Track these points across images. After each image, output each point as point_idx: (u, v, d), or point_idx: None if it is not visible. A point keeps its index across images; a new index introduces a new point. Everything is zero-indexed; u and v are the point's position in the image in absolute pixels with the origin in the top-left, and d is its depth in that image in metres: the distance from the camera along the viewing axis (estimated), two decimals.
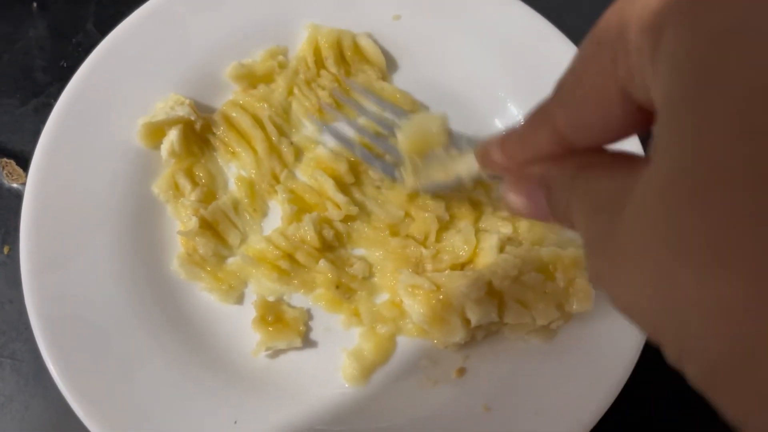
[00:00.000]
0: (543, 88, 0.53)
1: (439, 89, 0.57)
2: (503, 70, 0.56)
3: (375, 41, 0.56)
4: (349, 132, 0.55)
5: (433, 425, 0.46)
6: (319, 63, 0.56)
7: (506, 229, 0.50)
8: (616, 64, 0.21)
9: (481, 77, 0.57)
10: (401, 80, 0.58)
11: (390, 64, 0.58)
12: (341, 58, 0.56)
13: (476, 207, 0.52)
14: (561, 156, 0.26)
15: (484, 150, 0.32)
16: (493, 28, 0.57)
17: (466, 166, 0.42)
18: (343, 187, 0.52)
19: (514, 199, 0.29)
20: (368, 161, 0.53)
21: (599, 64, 0.22)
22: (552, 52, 0.55)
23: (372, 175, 0.54)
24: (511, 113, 0.56)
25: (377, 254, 0.52)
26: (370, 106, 0.55)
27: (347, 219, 0.52)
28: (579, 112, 0.24)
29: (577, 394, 0.46)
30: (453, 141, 0.46)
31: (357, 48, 0.56)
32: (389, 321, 0.49)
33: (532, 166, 0.27)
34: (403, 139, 0.48)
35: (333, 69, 0.56)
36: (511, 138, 0.29)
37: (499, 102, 0.56)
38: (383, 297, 0.51)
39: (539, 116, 0.26)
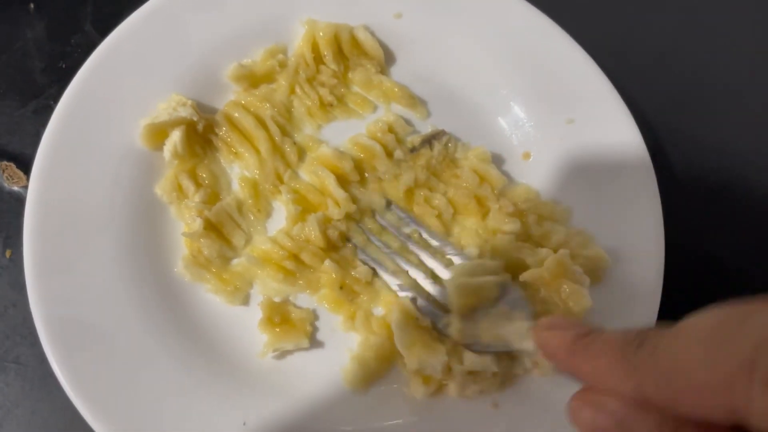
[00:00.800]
0: (545, 85, 0.55)
1: (438, 84, 0.57)
2: (505, 67, 0.56)
3: (373, 34, 0.56)
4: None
5: (441, 423, 0.46)
6: (318, 59, 0.56)
7: (513, 226, 0.50)
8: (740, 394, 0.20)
9: (482, 73, 0.57)
10: (400, 74, 0.58)
11: (388, 58, 0.58)
12: (340, 53, 0.56)
13: (482, 204, 0.52)
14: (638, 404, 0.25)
15: (545, 335, 0.30)
16: (494, 24, 0.57)
17: (518, 334, 0.38)
18: (345, 185, 0.52)
19: (581, 414, 0.28)
20: (422, 309, 0.48)
21: (720, 378, 0.21)
22: (554, 50, 0.55)
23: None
24: (515, 113, 0.56)
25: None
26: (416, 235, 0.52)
27: (348, 218, 0.51)
28: (676, 397, 0.23)
29: None
30: (504, 292, 0.45)
31: (355, 42, 0.56)
32: (380, 336, 0.48)
33: (602, 396, 0.26)
34: (452, 291, 0.45)
35: (332, 65, 0.56)
36: (583, 347, 0.27)
37: (501, 100, 0.56)
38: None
39: (627, 359, 0.25)
